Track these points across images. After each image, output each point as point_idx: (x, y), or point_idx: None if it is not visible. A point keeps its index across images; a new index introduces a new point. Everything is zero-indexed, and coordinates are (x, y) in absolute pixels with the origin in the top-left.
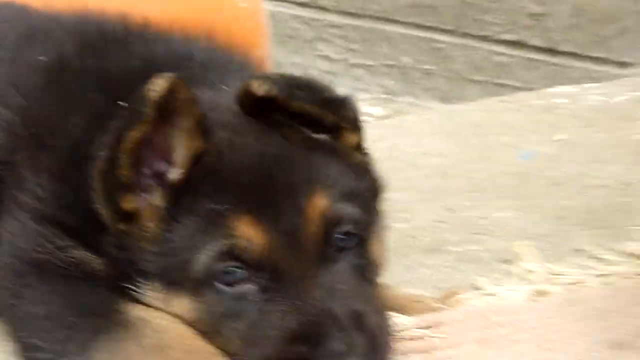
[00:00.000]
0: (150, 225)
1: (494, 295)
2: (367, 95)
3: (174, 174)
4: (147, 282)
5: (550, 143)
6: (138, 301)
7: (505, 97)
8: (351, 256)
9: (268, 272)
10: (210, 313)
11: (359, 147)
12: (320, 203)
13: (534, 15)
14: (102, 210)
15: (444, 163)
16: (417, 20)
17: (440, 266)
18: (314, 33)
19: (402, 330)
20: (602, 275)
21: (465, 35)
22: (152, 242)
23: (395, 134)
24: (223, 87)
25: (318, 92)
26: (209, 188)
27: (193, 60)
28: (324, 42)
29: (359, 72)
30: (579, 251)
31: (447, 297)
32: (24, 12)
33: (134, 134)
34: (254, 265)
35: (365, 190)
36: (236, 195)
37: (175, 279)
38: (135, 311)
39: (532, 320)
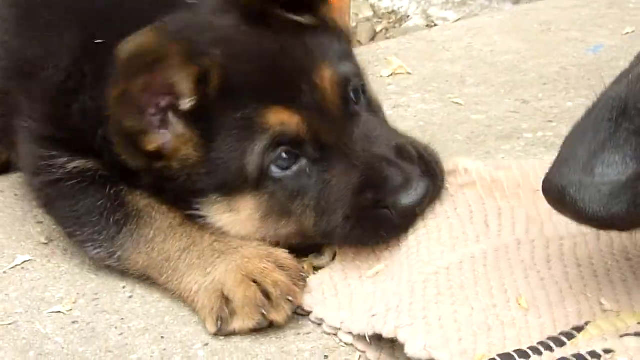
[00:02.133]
0: (188, 152)
1: None
2: (441, 0)
3: (185, 104)
4: (207, 199)
5: (617, 37)
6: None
7: None
8: (365, 106)
9: (311, 145)
10: (278, 200)
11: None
12: (327, 73)
13: None
14: (130, 159)
15: (516, 59)
16: None
17: (515, 151)
18: None
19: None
20: None
21: None
22: (198, 166)
23: (468, 34)
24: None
25: None
26: (229, 100)
27: None
28: None
29: None
30: None
31: None
32: None
33: (118, 91)
34: (298, 143)
35: (346, 45)
36: (256, 95)
37: (235, 187)
38: (142, 200)
39: None
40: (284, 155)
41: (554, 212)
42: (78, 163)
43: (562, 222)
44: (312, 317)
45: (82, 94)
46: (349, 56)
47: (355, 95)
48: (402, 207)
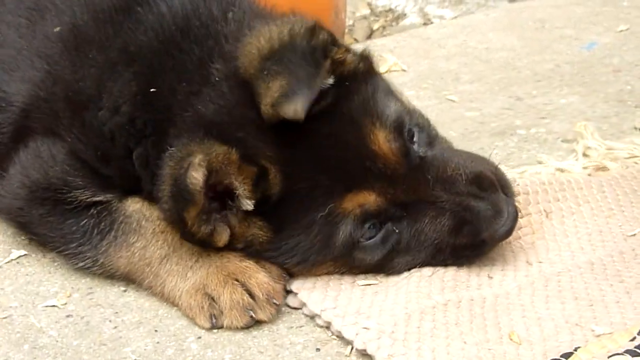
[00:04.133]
0: (255, 232)
1: (556, 168)
2: None
3: (248, 205)
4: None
5: (611, 34)
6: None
7: None
8: (422, 138)
9: (392, 209)
10: (363, 263)
11: (347, 51)
12: (381, 136)
13: None
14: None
15: (510, 56)
16: None
17: (508, 147)
18: None
19: None
20: None
21: None
22: (267, 245)
23: (464, 32)
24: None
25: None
26: (297, 199)
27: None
28: None
29: None
30: (636, 129)
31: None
32: None
33: (192, 214)
34: (380, 214)
35: (376, 77)
36: (325, 191)
37: (316, 260)
38: (132, 205)
39: (589, 195)
40: (369, 227)
41: (550, 249)
42: (100, 198)
43: (558, 259)
44: (304, 310)
45: (144, 140)
46: (386, 89)
47: (410, 135)
48: (499, 237)
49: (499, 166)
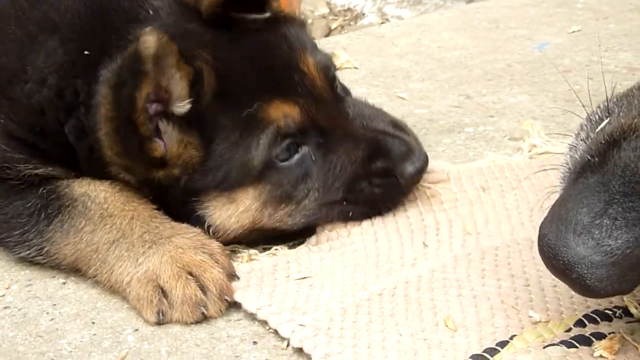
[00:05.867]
0: (190, 154)
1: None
2: None
3: (181, 108)
4: (206, 196)
5: (564, 35)
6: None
7: None
8: (342, 90)
9: (312, 131)
10: (281, 187)
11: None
12: (312, 60)
13: None
14: (133, 172)
15: (463, 55)
16: None
17: (456, 144)
18: None
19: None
20: None
21: None
22: (199, 166)
23: (418, 31)
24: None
25: None
26: (226, 100)
27: None
28: None
29: None
30: None
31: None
32: None
33: (144, 92)
34: (300, 132)
35: (309, 33)
36: (253, 92)
37: (237, 180)
38: (78, 189)
39: (531, 173)
40: (286, 145)
41: (490, 220)
42: (42, 171)
43: (496, 231)
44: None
45: (75, 111)
46: (317, 46)
47: (333, 79)
48: (409, 175)
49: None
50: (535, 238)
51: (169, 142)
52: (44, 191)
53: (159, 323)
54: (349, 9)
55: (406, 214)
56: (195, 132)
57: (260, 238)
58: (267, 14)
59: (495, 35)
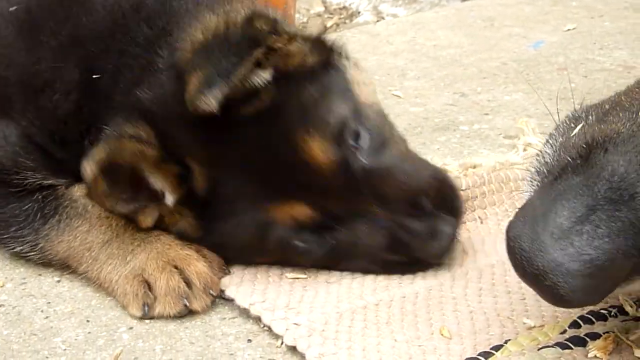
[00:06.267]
0: (185, 226)
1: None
2: None
3: (168, 200)
4: None
5: (559, 33)
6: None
7: None
8: (367, 140)
9: (328, 220)
10: (303, 262)
11: (292, 40)
12: (316, 148)
13: None
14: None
15: (458, 53)
16: None
17: (451, 142)
18: None
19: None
20: None
21: None
22: (196, 236)
23: (413, 29)
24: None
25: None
26: (226, 205)
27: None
28: None
29: None
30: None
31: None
32: None
33: (102, 197)
34: (315, 225)
35: (337, 69)
36: (254, 197)
37: (250, 255)
38: (79, 191)
39: None
40: (304, 236)
41: (486, 242)
42: (49, 182)
43: (493, 250)
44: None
45: (92, 128)
46: (340, 86)
47: (355, 138)
48: (433, 258)
49: (448, 175)
50: None
51: (163, 214)
52: (41, 196)
53: (145, 316)
54: (344, 7)
55: None
56: (191, 210)
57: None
58: (268, 76)
59: (490, 34)
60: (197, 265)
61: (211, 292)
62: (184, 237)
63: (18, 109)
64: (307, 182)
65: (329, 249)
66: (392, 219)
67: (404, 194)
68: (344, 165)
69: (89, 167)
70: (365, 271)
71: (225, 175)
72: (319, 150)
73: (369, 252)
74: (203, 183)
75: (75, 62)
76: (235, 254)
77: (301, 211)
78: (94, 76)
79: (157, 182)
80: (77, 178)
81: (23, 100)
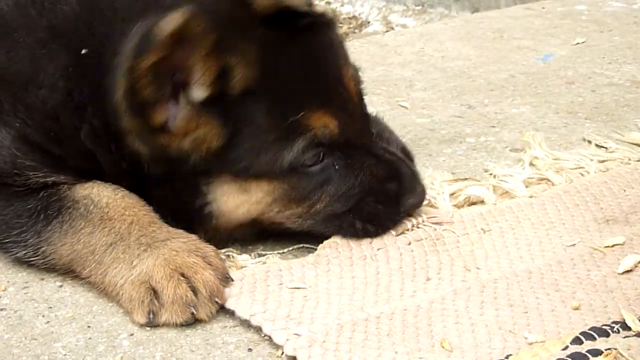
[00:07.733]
0: (207, 137)
1: (501, 178)
2: (401, 7)
3: (198, 93)
4: (217, 179)
5: (568, 46)
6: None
7: (529, 4)
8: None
9: (343, 144)
10: (297, 190)
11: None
12: (351, 74)
13: None
14: (139, 139)
15: (466, 65)
16: None
17: (457, 154)
18: None
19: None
20: (602, 160)
21: None
22: (216, 151)
23: (421, 40)
24: None
25: None
26: (269, 102)
27: None
28: None
29: None
30: (585, 141)
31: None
32: None
33: (151, 58)
34: (333, 144)
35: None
36: (301, 99)
37: (256, 173)
38: (82, 191)
39: (530, 213)
40: (316, 153)
41: (489, 257)
42: (51, 179)
43: (496, 266)
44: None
45: (86, 113)
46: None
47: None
48: (410, 206)
49: None
50: (533, 269)
51: (179, 114)
52: (45, 194)
53: (150, 324)
54: (354, 17)
55: (412, 254)
56: (217, 120)
57: (254, 233)
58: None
59: (499, 46)
60: (204, 273)
61: (217, 300)
62: (199, 150)
63: (8, 110)
64: (342, 102)
65: (325, 179)
66: (391, 158)
67: (397, 143)
68: (361, 100)
69: (167, 21)
70: (350, 210)
71: (277, 75)
72: (350, 78)
73: (363, 185)
74: (242, 83)
75: (57, 50)
76: (245, 166)
77: (333, 123)
78: (82, 51)
79: (198, 72)
80: (78, 175)
81: (11, 101)
